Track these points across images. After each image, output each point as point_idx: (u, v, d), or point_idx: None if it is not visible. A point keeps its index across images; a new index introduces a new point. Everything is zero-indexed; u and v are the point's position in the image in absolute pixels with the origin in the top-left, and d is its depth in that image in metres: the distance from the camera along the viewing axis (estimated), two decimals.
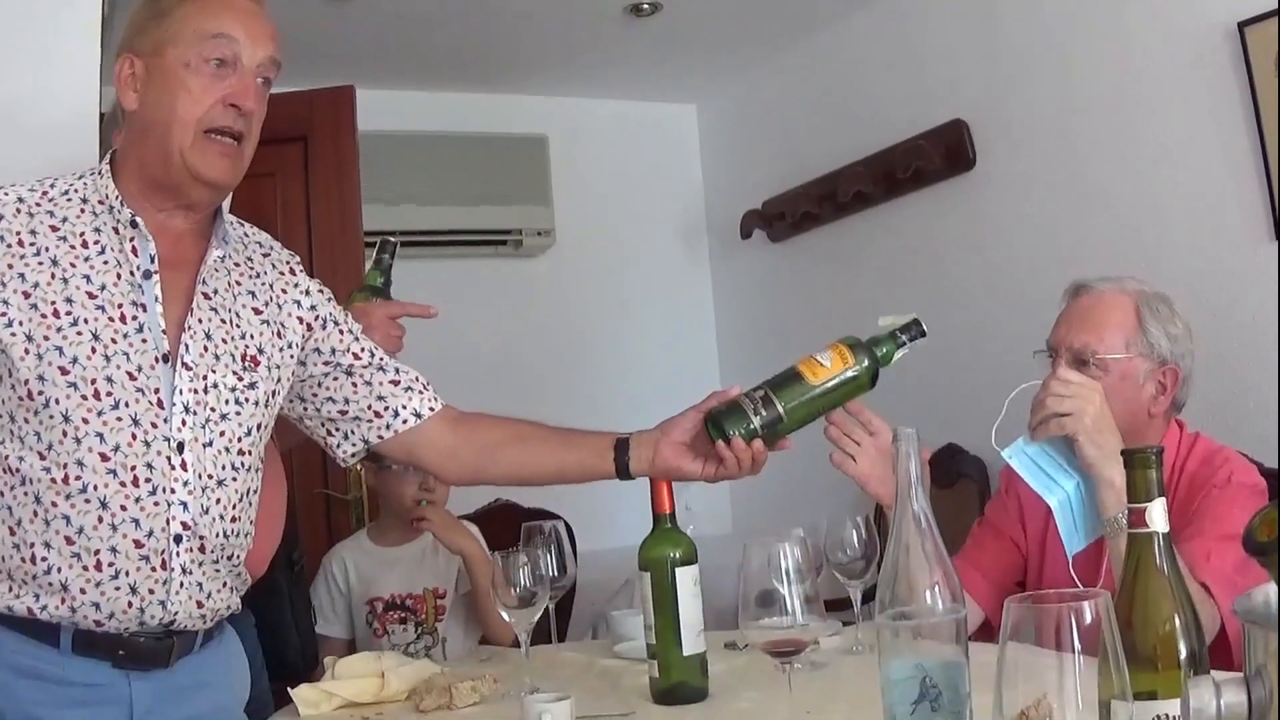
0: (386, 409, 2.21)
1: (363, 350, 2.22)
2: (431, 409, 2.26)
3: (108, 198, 1.95)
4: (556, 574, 2.65)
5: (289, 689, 2.35)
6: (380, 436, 2.22)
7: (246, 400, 2.01)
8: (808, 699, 2.06)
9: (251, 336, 2.05)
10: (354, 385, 2.20)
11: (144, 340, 1.90)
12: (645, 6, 4.87)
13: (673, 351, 5.91)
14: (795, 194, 5.43)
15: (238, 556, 2.04)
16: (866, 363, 2.25)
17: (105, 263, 1.91)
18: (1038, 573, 2.57)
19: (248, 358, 2.03)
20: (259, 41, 2.02)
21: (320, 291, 2.21)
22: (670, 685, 2.20)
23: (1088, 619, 1.16)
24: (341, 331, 2.20)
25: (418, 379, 2.27)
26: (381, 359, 2.24)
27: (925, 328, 2.27)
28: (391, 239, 2.64)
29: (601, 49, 5.34)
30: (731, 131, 6.12)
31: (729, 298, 6.17)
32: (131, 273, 1.92)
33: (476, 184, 5.53)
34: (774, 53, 5.52)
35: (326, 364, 2.18)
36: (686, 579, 2.20)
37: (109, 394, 1.86)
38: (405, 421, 2.22)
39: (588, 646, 2.85)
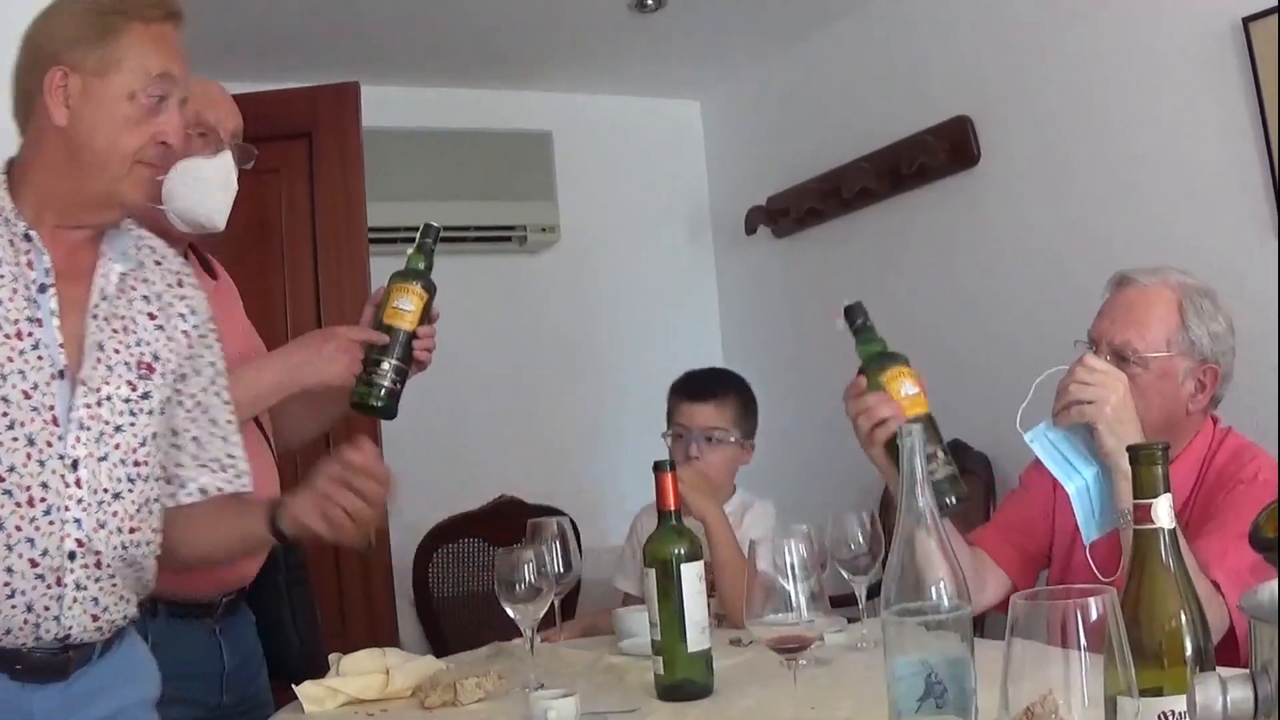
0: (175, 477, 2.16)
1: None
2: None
3: (3, 209, 1.93)
4: (562, 570, 2.65)
5: (293, 685, 2.35)
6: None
7: (140, 411, 1.99)
8: (812, 695, 2.07)
9: (147, 343, 2.04)
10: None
11: (39, 357, 1.88)
12: (649, 3, 4.85)
13: (677, 348, 5.89)
14: (800, 190, 5.42)
15: (142, 565, 2.03)
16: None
17: (0, 278, 1.88)
18: (1066, 553, 2.57)
19: (143, 365, 2.02)
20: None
21: (196, 313, 2.18)
22: (675, 681, 2.20)
23: (1094, 615, 1.16)
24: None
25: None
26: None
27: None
28: (435, 224, 2.69)
29: (606, 45, 5.33)
30: (736, 128, 6.11)
31: (733, 294, 6.17)
32: (27, 286, 1.90)
33: (481, 180, 5.52)
34: (778, 49, 5.51)
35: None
36: (691, 575, 2.20)
37: (4, 414, 1.84)
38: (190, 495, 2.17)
39: (593, 643, 2.85)
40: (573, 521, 2.81)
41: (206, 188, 2.53)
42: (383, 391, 2.53)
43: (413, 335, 2.58)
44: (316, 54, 4.90)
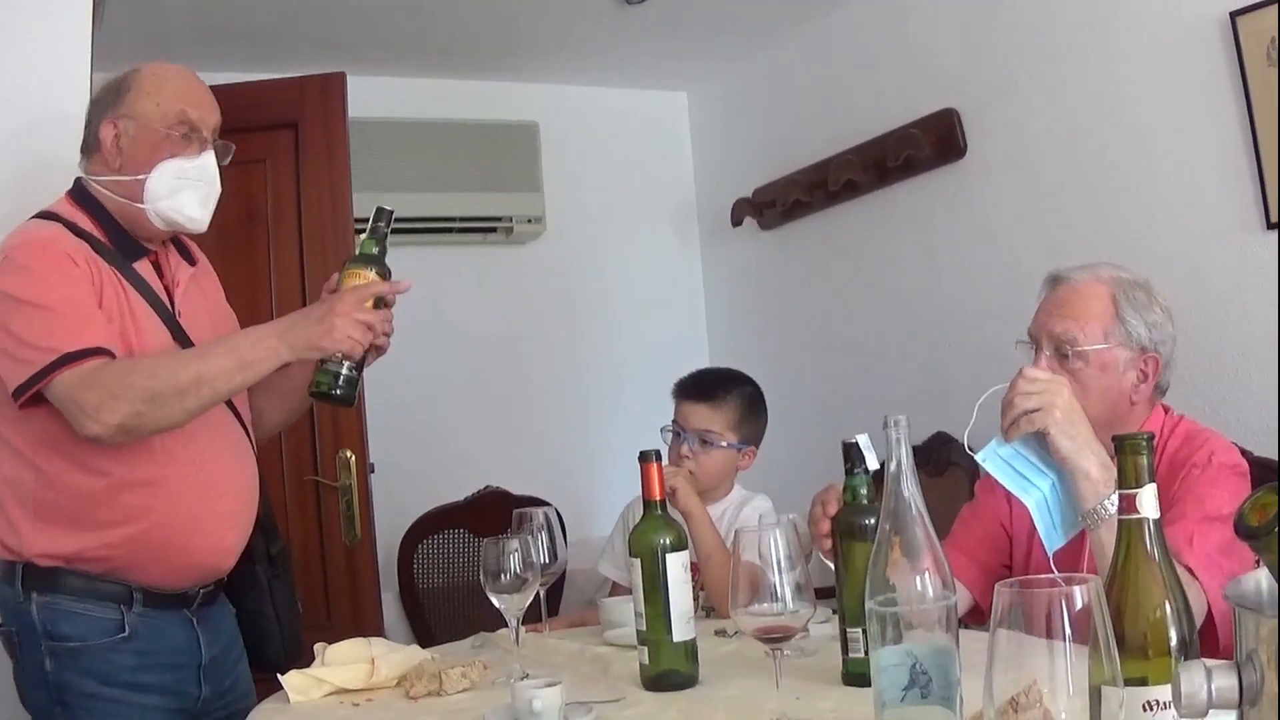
0: None
1: None
2: None
3: None
4: (547, 560, 2.65)
5: (279, 675, 2.34)
6: None
7: None
8: (797, 686, 2.07)
9: None
10: None
11: None
12: None
13: (663, 339, 5.91)
14: (786, 182, 5.42)
15: None
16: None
17: None
18: (1025, 557, 2.58)
19: None
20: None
21: None
22: (660, 671, 2.20)
23: (1078, 604, 1.16)
24: None
25: None
26: None
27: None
28: (387, 206, 2.60)
29: (593, 36, 5.32)
30: (723, 119, 6.11)
31: (719, 285, 6.17)
32: None
33: (467, 171, 5.52)
34: (765, 41, 5.51)
35: None
36: (676, 565, 2.20)
37: None
38: None
39: (578, 634, 2.85)
40: (558, 512, 2.81)
41: (190, 189, 2.54)
42: (341, 379, 2.46)
43: None
44: (302, 44, 4.89)
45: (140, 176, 2.49)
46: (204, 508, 2.50)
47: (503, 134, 5.65)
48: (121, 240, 2.52)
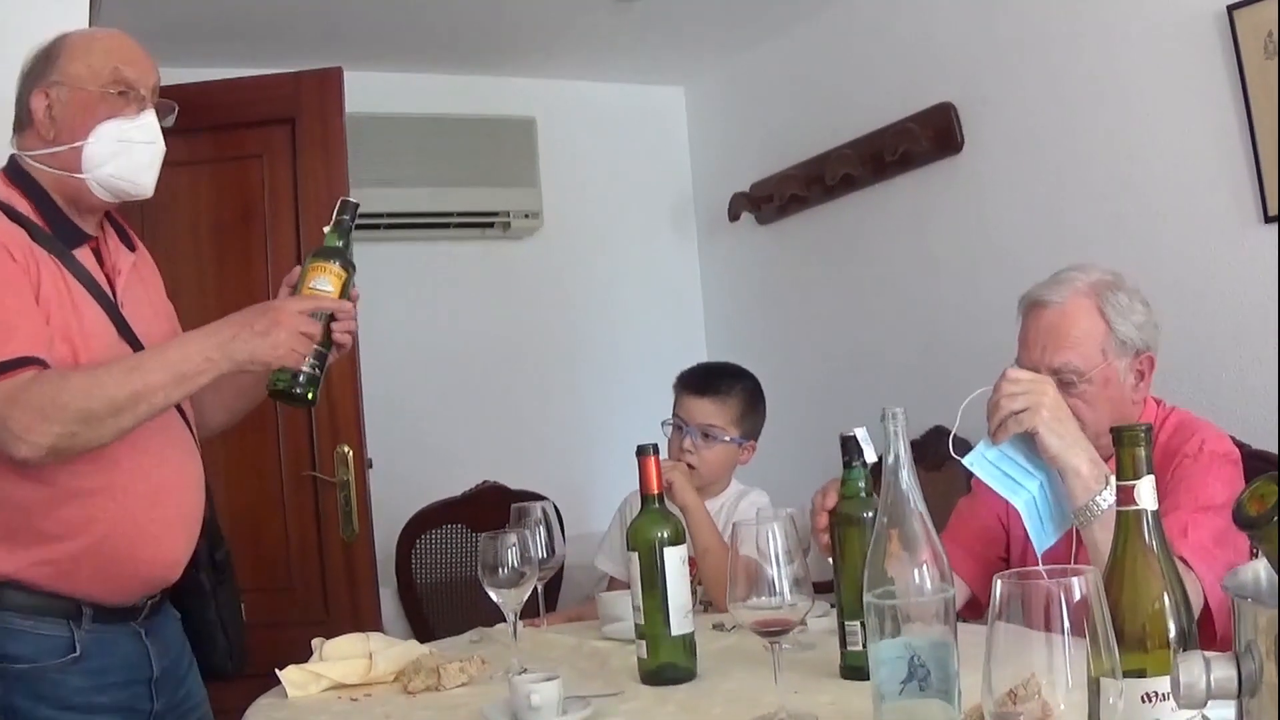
0: None
1: None
2: None
3: None
4: (545, 555, 2.65)
5: (276, 670, 2.34)
6: None
7: None
8: (796, 679, 2.07)
9: None
10: None
11: None
12: None
13: (660, 334, 5.92)
14: (783, 176, 5.42)
15: None
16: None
17: None
18: (1022, 550, 2.57)
19: None
20: None
21: None
22: (658, 665, 2.20)
23: (1077, 596, 1.16)
24: None
25: None
26: None
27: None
28: (353, 199, 2.49)
29: (590, 31, 5.32)
30: (719, 114, 6.11)
31: (716, 280, 6.17)
32: None
33: (464, 166, 5.52)
34: (762, 35, 5.50)
35: None
36: (674, 559, 2.20)
37: None
38: None
39: (577, 628, 2.85)
40: (555, 506, 2.81)
41: (132, 151, 2.37)
42: (302, 378, 2.33)
43: (331, 317, 2.38)
44: (300, 39, 4.88)
45: (77, 144, 2.32)
46: (153, 516, 2.35)
47: (500, 129, 5.65)
48: (61, 225, 2.34)
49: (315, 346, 2.33)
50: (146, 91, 2.40)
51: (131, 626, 2.39)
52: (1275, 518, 1.08)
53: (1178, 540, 2.15)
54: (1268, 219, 3.45)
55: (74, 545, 2.25)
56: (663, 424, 3.29)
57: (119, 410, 2.15)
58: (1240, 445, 2.55)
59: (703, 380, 3.29)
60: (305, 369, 2.32)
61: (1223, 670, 1.08)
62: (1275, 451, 2.81)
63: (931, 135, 4.61)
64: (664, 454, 3.20)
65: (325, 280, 2.39)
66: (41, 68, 2.36)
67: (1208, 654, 1.10)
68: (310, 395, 2.35)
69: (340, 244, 2.44)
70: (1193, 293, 3.60)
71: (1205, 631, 2.06)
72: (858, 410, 2.45)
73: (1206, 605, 2.12)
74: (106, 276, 2.41)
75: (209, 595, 2.62)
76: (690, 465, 3.15)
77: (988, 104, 4.43)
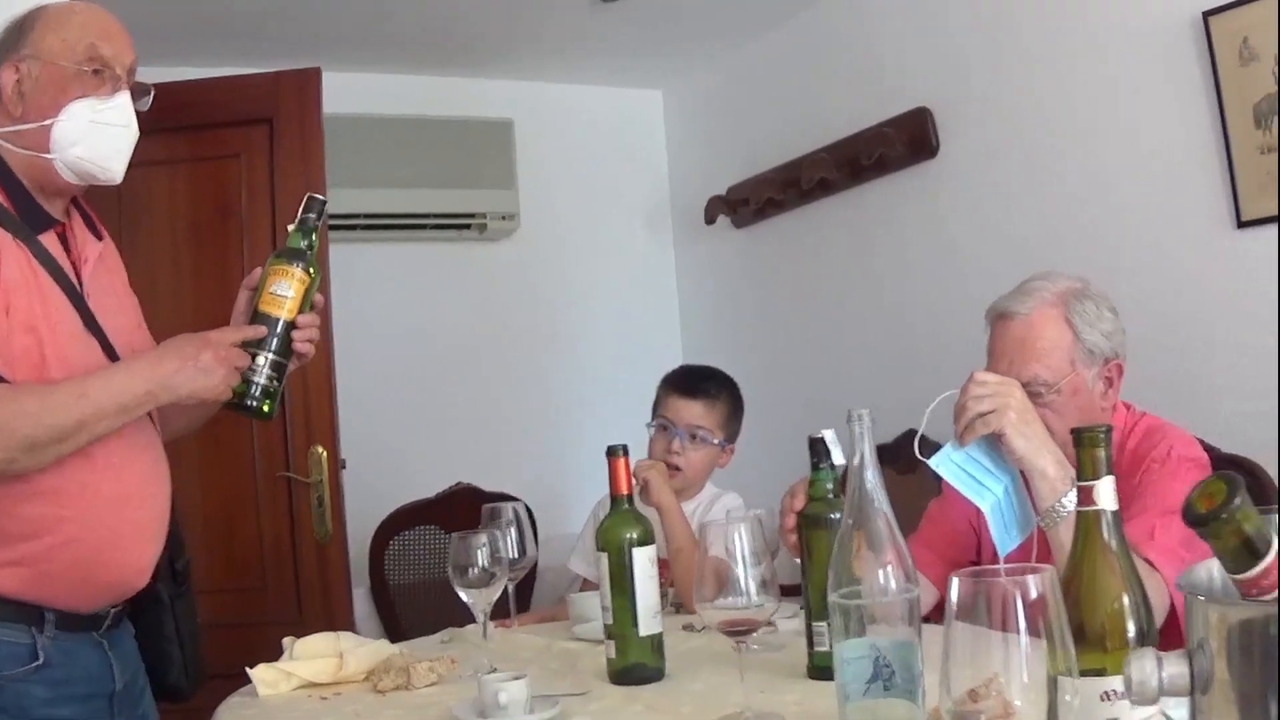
0: None
1: None
2: None
3: None
4: (516, 555, 2.64)
5: (247, 669, 2.34)
6: None
7: None
8: (763, 679, 2.08)
9: None
10: None
11: None
12: None
13: (636, 336, 5.92)
14: (759, 180, 5.44)
15: None
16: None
17: None
18: (992, 554, 2.58)
19: None
20: None
21: None
22: (627, 665, 2.21)
23: (1033, 594, 1.17)
24: None
25: None
26: None
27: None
28: (320, 196, 2.37)
29: (568, 34, 5.32)
30: (697, 118, 6.12)
31: (693, 283, 6.18)
32: None
33: (441, 167, 5.52)
34: (740, 40, 5.52)
35: None
36: (643, 560, 2.21)
37: None
38: None
39: (547, 629, 2.86)
40: (527, 507, 2.82)
41: (104, 133, 2.26)
42: (258, 390, 2.24)
43: (292, 325, 2.29)
44: (278, 39, 4.88)
45: (47, 122, 2.21)
46: (123, 518, 2.25)
47: (477, 131, 5.65)
48: (28, 208, 2.23)
49: (274, 357, 2.26)
50: (122, 71, 2.30)
51: (94, 637, 2.28)
52: (1222, 515, 1.09)
53: (1144, 543, 2.17)
54: (1241, 224, 3.47)
55: (40, 545, 2.15)
56: (647, 425, 3.30)
57: (63, 439, 2.08)
58: (1210, 450, 2.57)
59: (692, 382, 3.32)
60: (261, 381, 2.25)
61: (1175, 667, 1.08)
62: (1245, 456, 2.82)
63: (907, 140, 4.62)
64: (645, 455, 3.23)
65: (286, 284, 2.29)
66: (13, 40, 2.26)
67: (1160, 652, 1.11)
68: (266, 408, 2.27)
69: (304, 245, 2.33)
70: (1166, 298, 3.62)
71: (1174, 633, 2.07)
72: (831, 413, 2.45)
73: (1174, 607, 2.14)
74: (73, 264, 2.30)
75: (167, 607, 2.50)
76: (676, 467, 3.17)
77: (963, 109, 4.44)
